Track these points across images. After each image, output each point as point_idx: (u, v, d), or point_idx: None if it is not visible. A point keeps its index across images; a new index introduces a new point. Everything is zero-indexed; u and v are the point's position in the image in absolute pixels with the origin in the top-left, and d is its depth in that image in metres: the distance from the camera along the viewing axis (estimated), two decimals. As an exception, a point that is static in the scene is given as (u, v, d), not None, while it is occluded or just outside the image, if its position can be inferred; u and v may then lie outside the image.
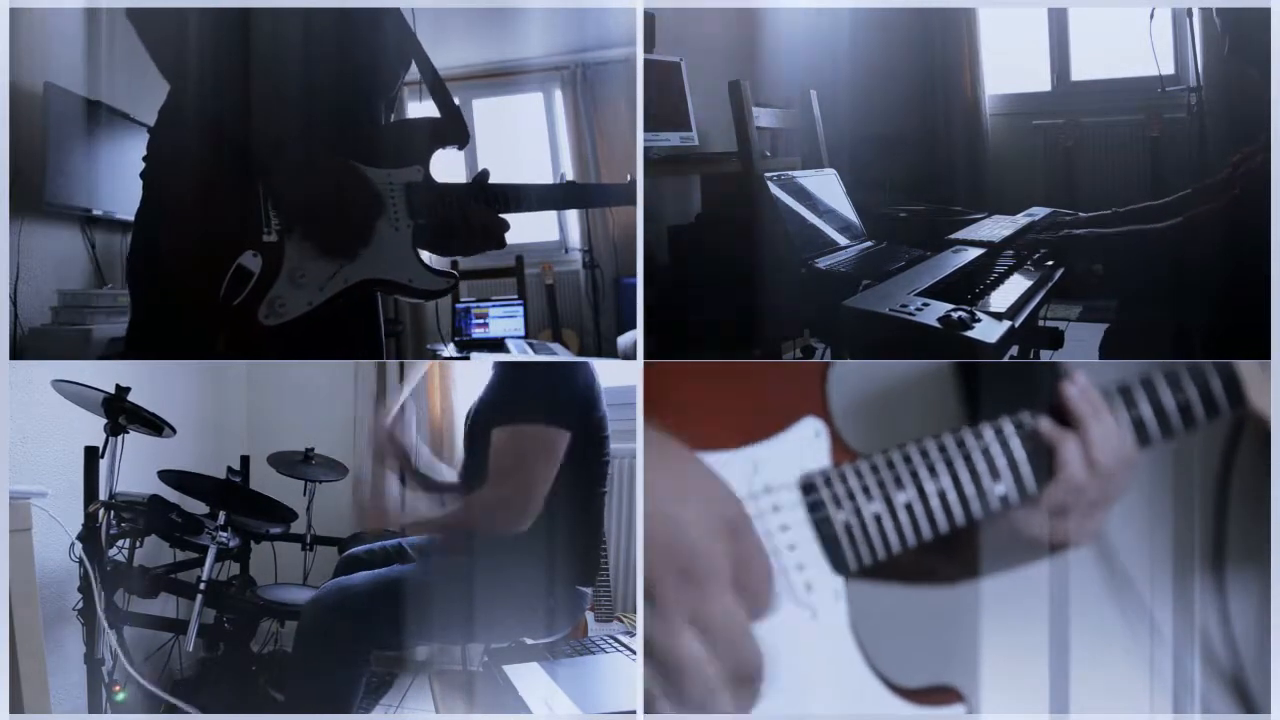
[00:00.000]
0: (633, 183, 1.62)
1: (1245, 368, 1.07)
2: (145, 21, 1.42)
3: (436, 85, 1.65)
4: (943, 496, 1.05)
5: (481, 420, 1.70)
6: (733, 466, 1.05)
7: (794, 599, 1.05)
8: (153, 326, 1.49)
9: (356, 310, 1.58)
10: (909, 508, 1.05)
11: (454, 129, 1.63)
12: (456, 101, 1.64)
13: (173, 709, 1.72)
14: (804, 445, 1.08)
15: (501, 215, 1.58)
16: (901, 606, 1.19)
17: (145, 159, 1.49)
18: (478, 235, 1.58)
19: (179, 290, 1.45)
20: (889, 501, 1.05)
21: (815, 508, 1.05)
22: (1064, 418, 1.05)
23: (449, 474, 1.93)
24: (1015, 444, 1.06)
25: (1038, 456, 1.05)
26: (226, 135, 1.43)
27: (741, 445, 1.07)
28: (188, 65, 1.44)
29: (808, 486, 1.06)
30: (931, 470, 1.05)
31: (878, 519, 1.05)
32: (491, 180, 1.60)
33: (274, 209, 1.47)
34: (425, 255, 1.57)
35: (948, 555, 1.12)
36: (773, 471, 1.06)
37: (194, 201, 1.44)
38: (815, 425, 1.09)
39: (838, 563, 1.05)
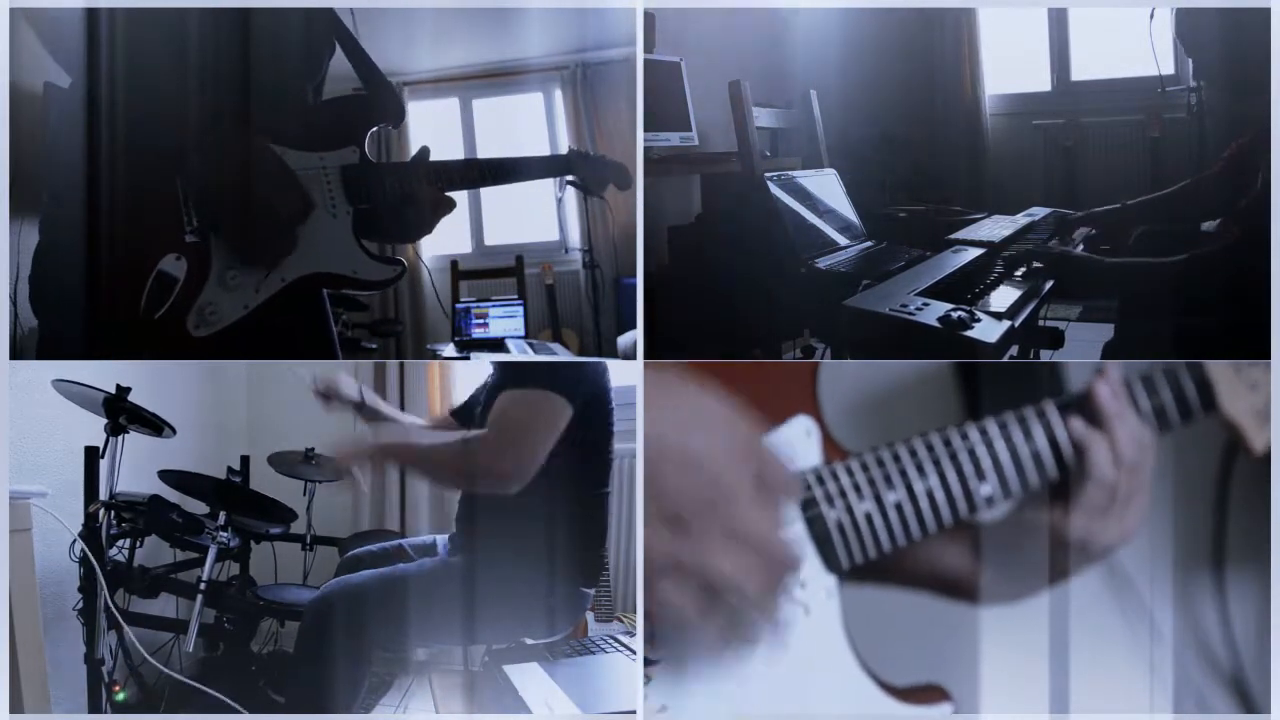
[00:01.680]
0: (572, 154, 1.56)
1: (1217, 370, 1.08)
2: (39, 16, 1.33)
3: (363, 62, 1.55)
4: (930, 496, 1.05)
5: (491, 394, 1.67)
6: None
7: (787, 596, 1.05)
8: (63, 346, 1.37)
9: (299, 311, 1.46)
10: (899, 507, 1.05)
11: (388, 105, 1.54)
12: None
13: (188, 693, 1.72)
14: (795, 443, 1.09)
15: (448, 193, 1.50)
16: (893, 606, 1.20)
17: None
18: (426, 216, 1.50)
19: (91, 305, 1.32)
20: (879, 500, 1.05)
21: (808, 505, 1.05)
22: (1091, 416, 1.05)
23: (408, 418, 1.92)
24: (999, 444, 1.06)
25: (1019, 458, 1.06)
26: (134, 127, 1.32)
27: None
28: (88, 57, 1.32)
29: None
30: (920, 470, 1.06)
31: (868, 518, 1.05)
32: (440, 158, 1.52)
33: (193, 205, 1.34)
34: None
35: (1005, 576, 1.13)
36: None
37: (101, 202, 1.32)
38: (806, 424, 1.10)
39: (830, 561, 1.06)
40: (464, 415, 1.88)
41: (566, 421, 1.56)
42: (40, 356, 1.40)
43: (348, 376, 1.84)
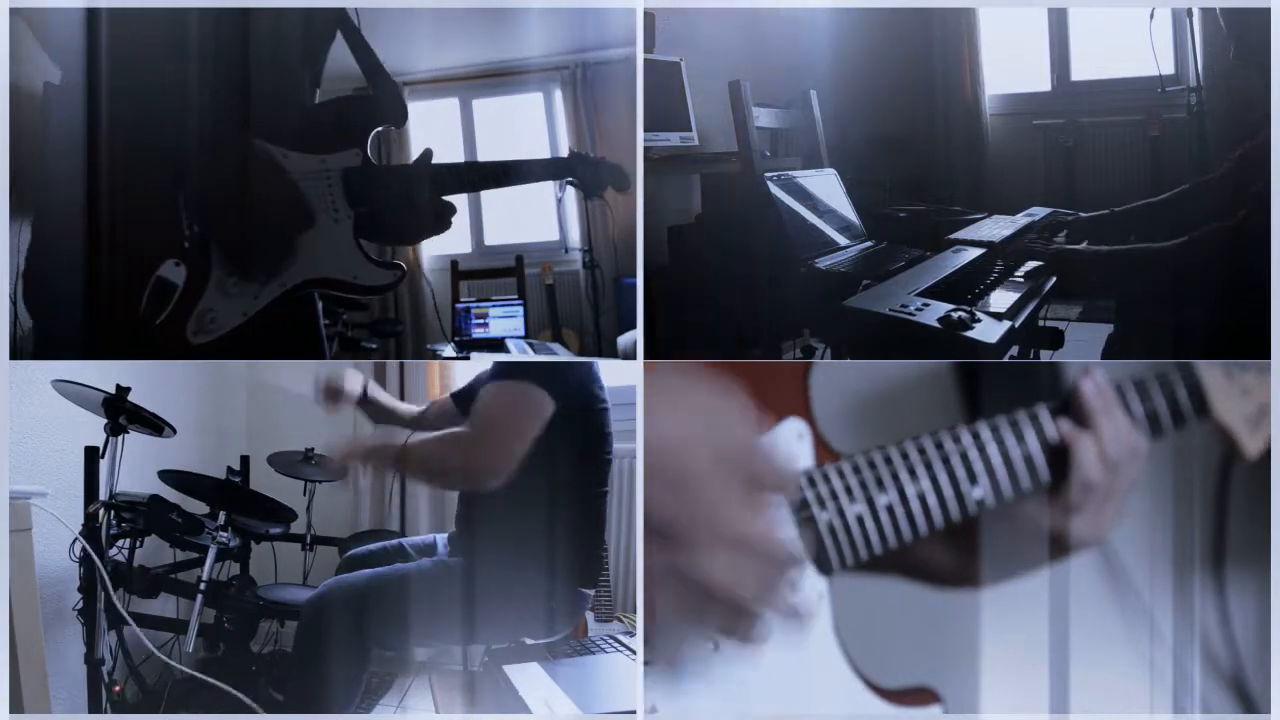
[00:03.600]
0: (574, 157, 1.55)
1: (1209, 375, 1.08)
2: (35, 12, 1.32)
3: (367, 57, 1.52)
4: (923, 499, 1.05)
5: (479, 386, 1.68)
6: None
7: (789, 591, 1.05)
8: (53, 351, 1.35)
9: (292, 315, 1.45)
10: (890, 509, 1.05)
11: (392, 105, 1.51)
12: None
13: (196, 687, 1.72)
14: (788, 446, 1.09)
15: (446, 198, 1.49)
16: (884, 608, 1.20)
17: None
18: (427, 220, 1.48)
19: (88, 307, 1.31)
20: (871, 503, 1.05)
21: (799, 508, 1.05)
22: (1078, 415, 1.05)
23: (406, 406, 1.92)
24: (991, 448, 1.06)
25: (1011, 461, 1.06)
26: (131, 127, 1.30)
27: None
28: (87, 54, 1.30)
29: None
30: (911, 473, 1.05)
31: (860, 520, 1.05)
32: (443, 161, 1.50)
33: (192, 212, 1.32)
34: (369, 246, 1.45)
35: (967, 557, 1.13)
36: None
37: (99, 203, 1.30)
38: (798, 427, 1.10)
39: (821, 563, 1.06)
40: (462, 399, 1.88)
41: (548, 414, 1.56)
42: (37, 355, 1.39)
43: (352, 371, 1.84)
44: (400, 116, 1.52)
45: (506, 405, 1.55)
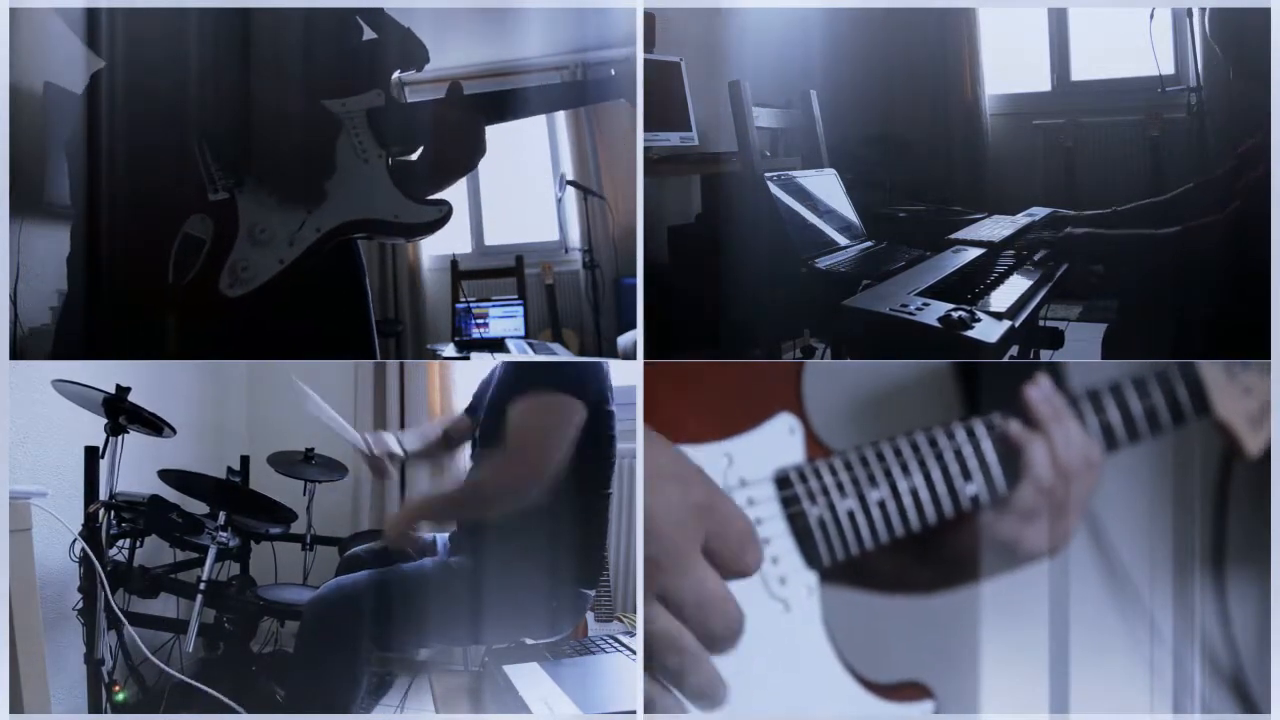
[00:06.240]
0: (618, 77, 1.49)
1: (1210, 374, 1.08)
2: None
3: (373, 14, 1.48)
4: (915, 494, 1.05)
5: (498, 399, 1.68)
6: (707, 460, 1.06)
7: (768, 592, 1.05)
8: (90, 318, 1.34)
9: (333, 263, 1.41)
10: (882, 505, 1.05)
11: (410, 47, 1.47)
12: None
13: (188, 693, 1.72)
14: (778, 440, 1.09)
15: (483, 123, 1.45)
16: (874, 603, 1.20)
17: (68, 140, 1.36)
18: (465, 149, 1.44)
19: (118, 274, 1.29)
20: (862, 498, 1.05)
21: (789, 502, 1.06)
22: (1029, 420, 1.06)
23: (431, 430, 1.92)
24: (986, 444, 1.06)
25: (1007, 457, 1.06)
26: (154, 94, 1.29)
27: (716, 439, 1.07)
28: (116, 36, 1.30)
29: (782, 481, 1.06)
30: (904, 468, 1.05)
31: (851, 515, 1.05)
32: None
33: (215, 161, 1.30)
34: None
35: (925, 564, 1.13)
36: (747, 466, 1.07)
37: (123, 170, 1.29)
38: (790, 421, 1.10)
39: (811, 557, 1.06)
40: (475, 412, 1.88)
41: (582, 421, 1.59)
42: (60, 333, 1.39)
43: (387, 435, 1.88)
44: (421, 59, 1.47)
45: (542, 419, 1.58)
